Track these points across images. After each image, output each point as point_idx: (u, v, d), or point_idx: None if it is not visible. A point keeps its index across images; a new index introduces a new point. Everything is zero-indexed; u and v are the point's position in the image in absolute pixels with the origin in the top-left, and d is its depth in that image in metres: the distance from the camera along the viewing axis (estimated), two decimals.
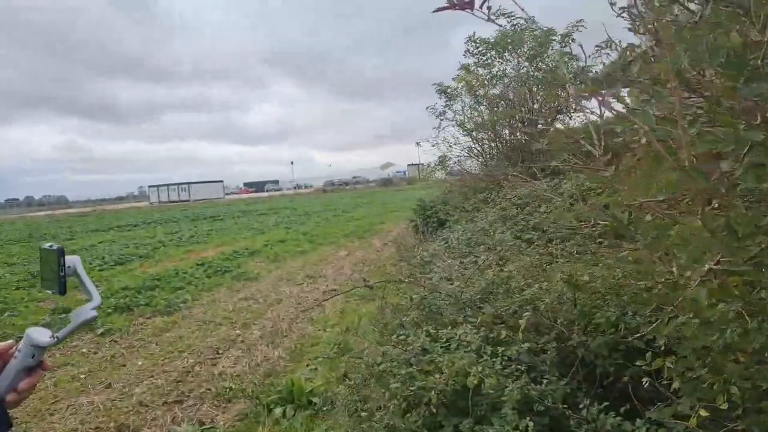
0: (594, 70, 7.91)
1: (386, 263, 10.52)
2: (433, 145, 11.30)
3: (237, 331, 6.65)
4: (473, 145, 10.81)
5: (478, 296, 3.29)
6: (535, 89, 9.83)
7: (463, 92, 10.52)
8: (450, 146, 10.90)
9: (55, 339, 1.01)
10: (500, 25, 9.57)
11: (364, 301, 7.60)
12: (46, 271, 1.03)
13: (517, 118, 10.17)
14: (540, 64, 9.87)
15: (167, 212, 37.88)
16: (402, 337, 2.97)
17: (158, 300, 8.18)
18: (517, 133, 10.31)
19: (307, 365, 5.30)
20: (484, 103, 10.23)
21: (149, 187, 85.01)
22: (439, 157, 11.69)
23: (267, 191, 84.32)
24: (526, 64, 9.91)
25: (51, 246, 1.01)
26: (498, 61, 9.94)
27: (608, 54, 7.83)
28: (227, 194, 79.86)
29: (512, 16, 9.88)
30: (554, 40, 9.70)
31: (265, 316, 7.36)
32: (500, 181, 9.47)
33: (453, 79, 10.58)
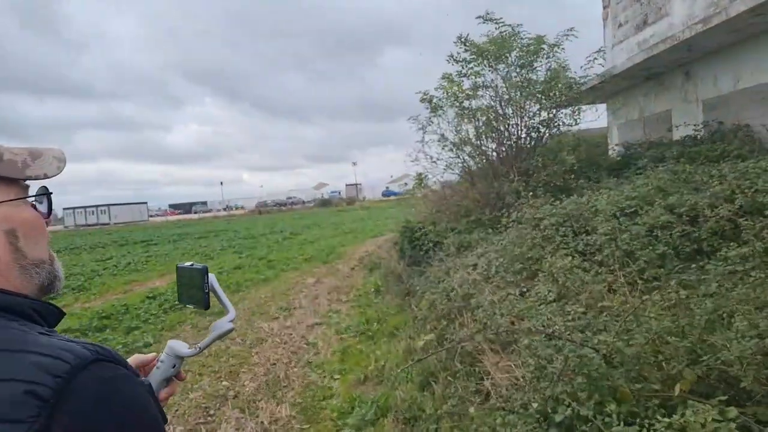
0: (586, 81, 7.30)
1: (367, 291, 9.50)
2: (413, 161, 10.49)
3: (224, 383, 5.41)
4: (459, 161, 10.07)
5: (648, 351, 2.40)
6: (527, 101, 9.23)
7: (447, 103, 9.79)
8: (434, 162, 10.12)
9: (197, 349, 1.08)
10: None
11: (365, 338, 6.56)
12: (186, 287, 1.08)
13: (506, 133, 9.54)
14: (529, 74, 9.34)
15: (89, 237, 34.81)
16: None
17: (113, 345, 6.75)
18: (503, 149, 9.67)
19: None
20: (474, 116, 9.51)
21: (64, 209, 78.95)
22: (417, 175, 10.90)
23: (195, 212, 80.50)
24: (517, 72, 9.33)
25: (193, 265, 1.07)
26: (488, 70, 9.29)
27: (601, 65, 7.29)
28: (151, 216, 75.58)
29: (500, 22, 9.42)
30: (543, 48, 9.22)
31: (252, 360, 6.14)
32: (495, 201, 8.79)
33: (436, 88, 9.85)
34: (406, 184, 12.67)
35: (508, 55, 9.21)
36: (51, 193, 0.91)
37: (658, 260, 4.65)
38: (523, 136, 9.46)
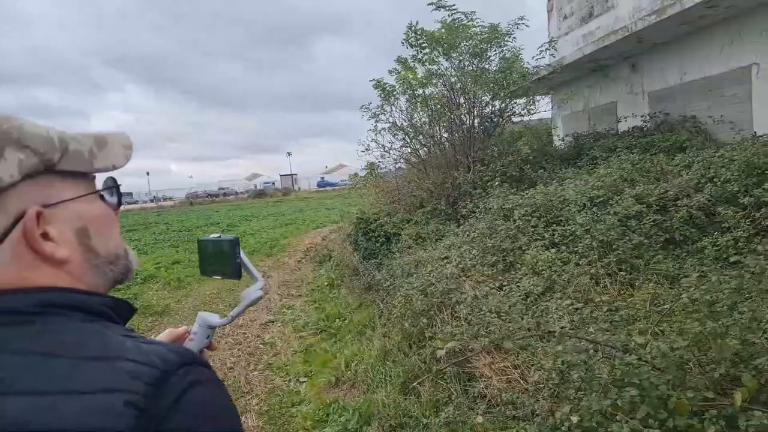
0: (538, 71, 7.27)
1: (320, 285, 9.13)
2: (365, 150, 10.19)
3: None
4: (411, 150, 9.85)
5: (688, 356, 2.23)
6: (480, 90, 9.11)
7: (400, 90, 9.53)
8: (386, 151, 9.85)
9: (230, 318, 1.10)
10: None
11: (328, 336, 6.23)
12: (213, 258, 1.09)
13: (458, 121, 9.41)
14: (482, 63, 9.23)
15: None
16: None
17: None
18: (457, 137, 9.53)
19: None
20: (427, 104, 9.30)
21: None
22: (368, 164, 10.61)
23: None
24: (470, 60, 9.19)
25: (220, 237, 1.08)
26: (442, 58, 9.09)
27: (553, 55, 7.27)
28: None
29: (452, 9, 9.24)
30: (497, 37, 9.13)
31: None
32: (450, 190, 8.64)
33: (391, 72, 9.57)
34: (356, 174, 12.33)
35: (460, 42, 9.05)
36: (120, 185, 0.86)
37: (634, 250, 4.61)
38: (476, 125, 9.36)
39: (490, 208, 6.07)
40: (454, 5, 9.19)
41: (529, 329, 3.49)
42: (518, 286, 4.28)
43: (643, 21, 7.66)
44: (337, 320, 6.60)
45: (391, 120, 9.75)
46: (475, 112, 9.35)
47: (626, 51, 9.24)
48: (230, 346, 6.32)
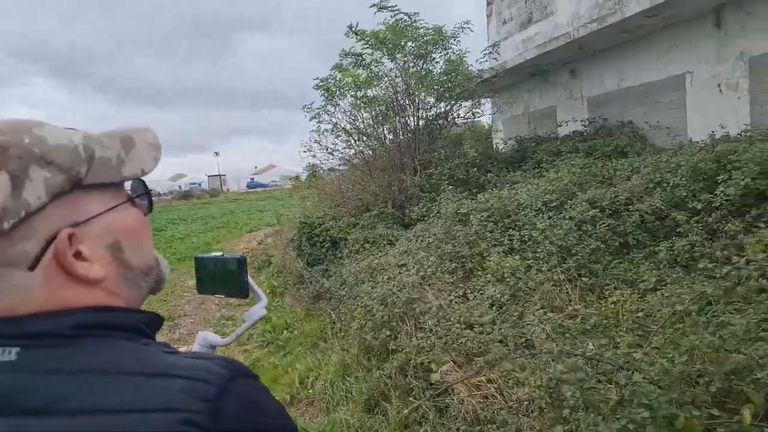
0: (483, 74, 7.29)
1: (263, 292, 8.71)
2: (306, 151, 9.87)
3: None
4: (355, 152, 9.63)
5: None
6: (425, 92, 9.02)
7: (343, 92, 9.29)
8: (330, 153, 9.58)
9: (233, 337, 1.11)
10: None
11: (276, 349, 5.89)
12: (215, 277, 1.08)
13: (402, 123, 9.29)
14: (427, 65, 9.16)
15: None
16: None
17: None
18: (401, 140, 9.40)
19: None
20: (371, 105, 9.11)
21: None
22: (309, 166, 10.29)
23: None
24: (414, 62, 9.10)
25: (223, 255, 1.08)
26: (387, 58, 8.93)
27: (495, 58, 7.33)
28: None
29: (395, 10, 9.11)
30: (442, 40, 9.09)
31: None
32: (397, 194, 8.49)
33: (333, 69, 9.29)
34: (297, 177, 11.80)
35: (404, 44, 8.94)
36: (150, 190, 0.80)
37: (591, 255, 4.61)
38: (421, 126, 9.27)
39: (443, 213, 5.94)
40: (396, 6, 9.07)
41: (501, 341, 3.36)
42: (482, 294, 4.15)
43: (585, 28, 7.83)
44: (284, 331, 6.26)
45: (333, 121, 9.49)
46: (420, 114, 9.26)
47: (566, 57, 9.45)
48: None
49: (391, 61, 8.98)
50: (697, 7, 6.78)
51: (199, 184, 76.08)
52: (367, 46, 9.03)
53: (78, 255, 0.67)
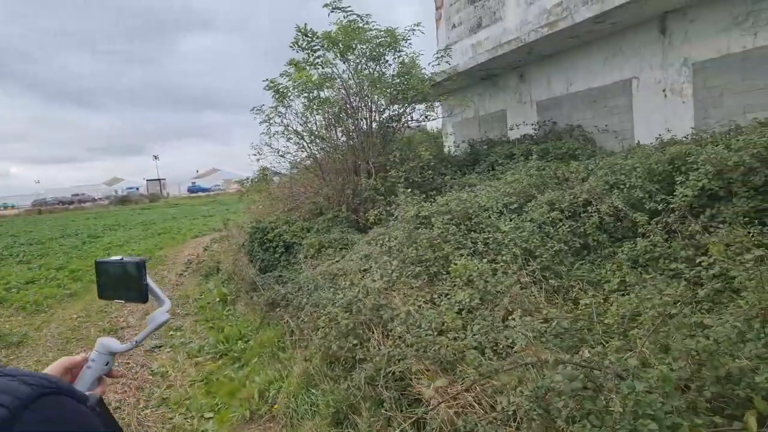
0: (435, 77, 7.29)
1: (209, 301, 8.36)
2: (255, 155, 9.56)
3: None
4: (309, 155, 9.39)
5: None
6: (378, 94, 8.90)
7: (295, 93, 9.04)
8: (281, 156, 9.31)
9: (134, 343, 1.08)
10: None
11: (230, 361, 5.61)
12: (116, 281, 1.07)
13: (355, 126, 9.15)
14: (380, 67, 9.06)
15: None
16: None
17: None
18: (354, 143, 9.25)
19: None
20: (323, 107, 8.90)
21: None
22: (260, 170, 9.99)
23: None
24: (366, 64, 8.98)
25: (122, 259, 1.06)
26: (340, 60, 8.77)
27: (448, 62, 7.35)
28: None
29: (348, 11, 8.97)
30: (395, 41, 9.01)
31: None
32: (351, 197, 8.33)
33: (281, 75, 9.04)
34: (246, 179, 11.25)
35: (356, 45, 8.81)
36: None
37: (554, 257, 4.62)
38: (375, 129, 9.15)
39: (403, 216, 5.83)
40: (349, 6, 8.93)
41: (476, 347, 3.27)
42: (450, 299, 4.06)
43: (536, 33, 7.93)
44: (239, 342, 5.99)
45: (284, 122, 9.23)
46: (374, 117, 9.14)
47: (515, 61, 9.58)
48: (112, 381, 5.44)
49: (344, 62, 8.83)
50: (643, 14, 6.99)
51: (137, 189, 73.21)
52: (319, 47, 8.85)
53: None
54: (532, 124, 9.32)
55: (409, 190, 6.58)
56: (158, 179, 71.63)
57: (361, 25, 8.89)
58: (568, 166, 6.57)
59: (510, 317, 3.41)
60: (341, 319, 4.09)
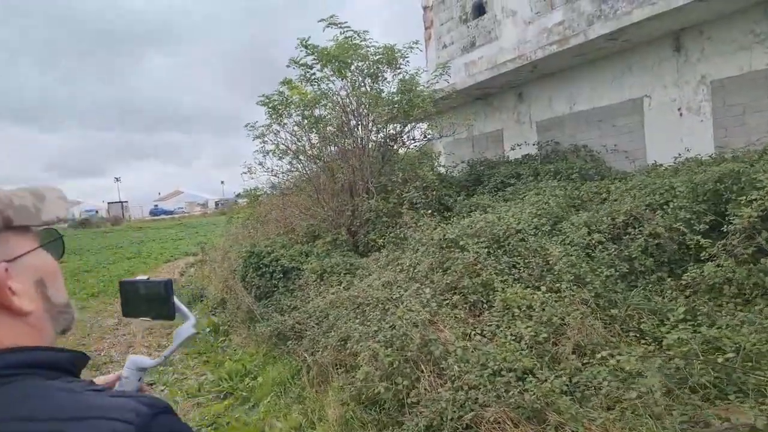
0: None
1: (202, 329, 7.70)
2: (246, 172, 9.04)
3: None
4: (304, 175, 8.92)
5: None
6: (376, 112, 8.54)
7: (288, 111, 8.60)
8: (274, 175, 8.81)
9: (162, 358, 1.15)
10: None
11: (239, 401, 5.03)
12: (141, 301, 1.10)
13: (354, 144, 8.74)
14: (378, 84, 8.72)
15: None
16: None
17: None
18: (353, 159, 8.83)
19: None
20: (318, 125, 8.47)
21: None
22: (249, 191, 9.46)
23: None
24: (364, 82, 8.63)
25: (148, 279, 1.11)
26: (337, 77, 8.39)
27: (446, 80, 7.06)
28: None
29: (344, 27, 8.64)
30: (395, 59, 8.70)
31: None
32: (351, 219, 7.86)
33: (276, 92, 8.60)
34: (238, 196, 10.67)
35: (354, 62, 8.46)
36: (63, 235, 0.91)
37: (605, 284, 4.27)
38: (372, 148, 8.76)
39: (426, 238, 5.40)
40: (346, 22, 8.60)
41: (565, 392, 2.84)
42: (504, 332, 3.64)
43: (543, 50, 7.73)
44: (245, 379, 5.39)
45: (277, 141, 8.76)
46: (372, 137, 8.76)
47: (514, 80, 9.39)
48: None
49: (342, 79, 8.45)
50: (656, 32, 6.86)
51: (96, 212, 70.69)
52: (317, 61, 8.47)
53: (10, 290, 0.73)
54: (534, 144, 9.09)
55: (426, 210, 6.18)
56: (120, 202, 69.36)
57: (357, 41, 8.57)
58: (589, 186, 6.31)
59: (577, 352, 3.02)
60: (383, 356, 3.61)
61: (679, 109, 7.00)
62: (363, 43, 8.58)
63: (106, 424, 0.64)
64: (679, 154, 6.44)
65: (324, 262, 7.05)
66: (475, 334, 3.66)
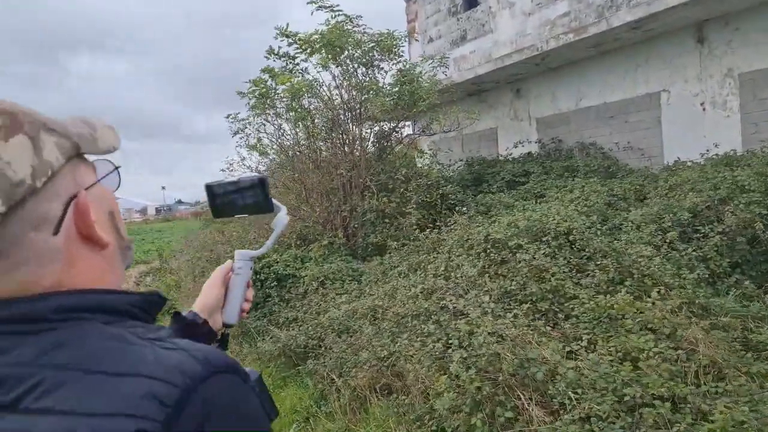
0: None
1: None
2: (226, 169, 8.15)
3: None
4: (289, 172, 8.08)
5: None
6: (373, 104, 7.83)
7: (276, 101, 7.77)
8: (258, 173, 7.92)
9: (266, 247, 1.14)
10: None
11: None
12: (237, 198, 1.07)
13: (348, 140, 8.00)
14: (373, 73, 8.03)
15: None
16: None
17: None
18: (348, 160, 8.08)
19: None
20: (306, 119, 7.68)
21: None
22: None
23: None
24: (360, 71, 7.91)
25: (241, 177, 1.06)
26: (332, 63, 7.62)
27: (445, 72, 6.50)
28: None
29: (336, 10, 7.90)
30: (392, 46, 8.03)
31: None
32: (349, 220, 7.10)
33: (258, 79, 7.74)
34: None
35: (347, 48, 7.73)
36: (119, 166, 0.79)
37: (695, 288, 3.74)
38: (370, 144, 8.06)
39: (464, 239, 4.74)
40: (338, 5, 7.86)
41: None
42: (612, 348, 3.01)
43: (556, 40, 7.26)
44: None
45: (259, 135, 7.91)
46: (365, 132, 8.05)
47: (512, 75, 8.91)
48: None
49: (336, 66, 7.70)
50: (678, 22, 6.50)
51: None
52: (300, 50, 7.67)
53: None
54: (535, 142, 8.62)
55: (459, 212, 5.54)
56: None
57: (350, 27, 7.85)
58: (632, 180, 5.88)
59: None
60: (467, 380, 2.90)
61: (702, 104, 6.66)
62: (356, 29, 7.88)
63: (146, 383, 0.56)
64: (707, 150, 6.07)
65: (324, 268, 6.31)
66: (579, 350, 3.01)
